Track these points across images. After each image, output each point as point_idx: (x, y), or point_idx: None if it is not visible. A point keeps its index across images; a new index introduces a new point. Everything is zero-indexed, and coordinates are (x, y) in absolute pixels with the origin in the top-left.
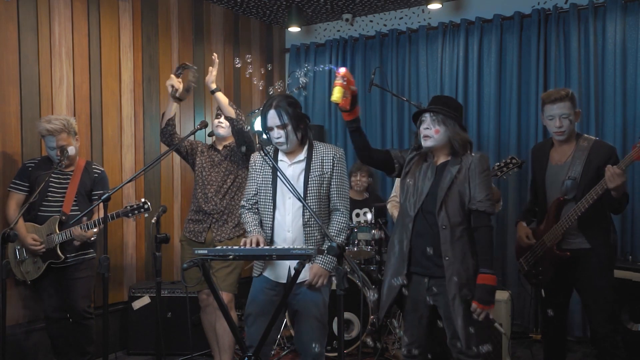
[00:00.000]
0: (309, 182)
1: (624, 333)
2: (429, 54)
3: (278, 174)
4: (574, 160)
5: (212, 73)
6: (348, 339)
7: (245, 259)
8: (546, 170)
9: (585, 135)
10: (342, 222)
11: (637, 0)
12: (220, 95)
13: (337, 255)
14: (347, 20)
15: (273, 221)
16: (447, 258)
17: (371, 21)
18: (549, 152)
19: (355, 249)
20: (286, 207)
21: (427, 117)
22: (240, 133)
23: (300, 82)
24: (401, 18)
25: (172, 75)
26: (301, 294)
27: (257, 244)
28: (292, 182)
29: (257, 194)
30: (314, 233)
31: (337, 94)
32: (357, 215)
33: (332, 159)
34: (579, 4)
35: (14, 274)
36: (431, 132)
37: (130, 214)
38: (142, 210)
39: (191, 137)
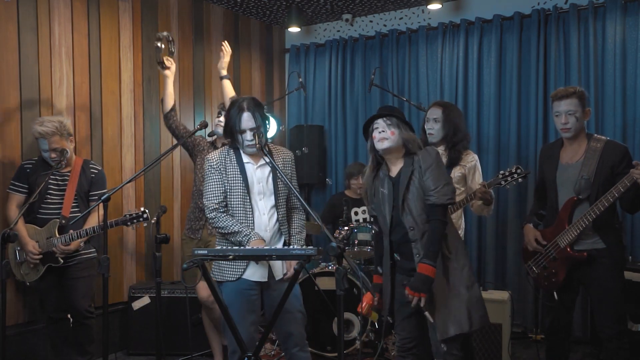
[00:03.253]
0: (279, 184)
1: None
2: (428, 54)
3: (247, 174)
4: (586, 160)
5: (224, 59)
6: (348, 339)
7: (246, 259)
8: (556, 170)
9: (596, 135)
10: (302, 219)
11: (637, 0)
12: (227, 84)
13: (337, 255)
14: (347, 20)
15: (254, 223)
16: (417, 255)
17: (371, 21)
18: (559, 152)
19: (355, 249)
20: (260, 207)
21: (379, 123)
22: None
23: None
24: (401, 18)
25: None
26: (279, 290)
27: None
28: (262, 184)
29: (226, 195)
30: (285, 230)
31: (374, 318)
32: (356, 213)
33: (291, 161)
34: (579, 4)
35: (13, 274)
36: (387, 134)
37: (129, 223)
38: (141, 219)
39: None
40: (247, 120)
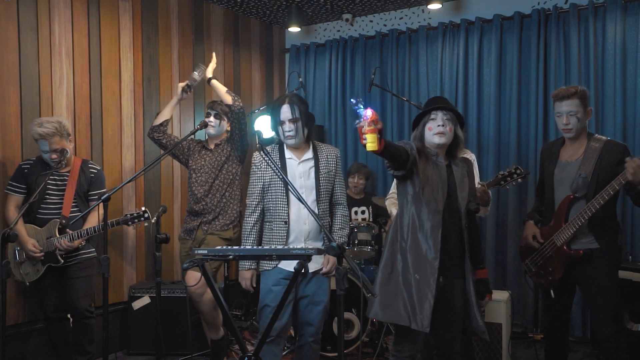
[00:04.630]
0: (320, 179)
1: (625, 333)
2: (429, 54)
3: (287, 170)
4: (585, 159)
5: (211, 66)
6: (348, 339)
7: (246, 259)
8: (555, 167)
9: (597, 135)
10: (346, 215)
11: (637, 0)
12: (216, 83)
13: (337, 255)
14: (347, 20)
15: (289, 215)
16: (468, 255)
17: (371, 21)
18: (560, 150)
19: (356, 249)
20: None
21: (438, 115)
22: (238, 117)
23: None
24: (401, 18)
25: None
26: (313, 282)
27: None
28: (303, 179)
29: (263, 192)
30: (324, 224)
31: (372, 143)
32: (355, 212)
33: (336, 158)
34: (579, 4)
35: (13, 274)
36: (446, 129)
37: (130, 222)
38: (142, 219)
39: (190, 137)
40: (285, 111)
